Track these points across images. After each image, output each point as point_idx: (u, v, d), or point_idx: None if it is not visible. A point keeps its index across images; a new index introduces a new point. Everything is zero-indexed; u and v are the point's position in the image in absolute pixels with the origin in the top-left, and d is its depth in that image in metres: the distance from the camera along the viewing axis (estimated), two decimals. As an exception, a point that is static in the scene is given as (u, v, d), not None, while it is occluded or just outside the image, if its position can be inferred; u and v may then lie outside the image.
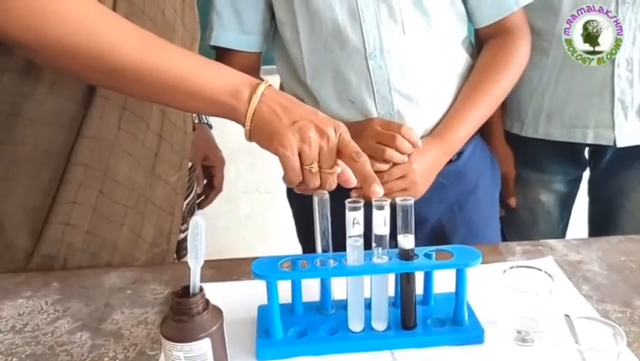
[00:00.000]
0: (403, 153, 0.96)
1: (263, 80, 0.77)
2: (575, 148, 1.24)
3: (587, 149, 1.27)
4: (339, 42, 0.99)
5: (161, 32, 0.90)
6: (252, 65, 1.11)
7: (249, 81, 0.75)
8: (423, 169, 0.98)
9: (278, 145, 0.71)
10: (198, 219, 0.61)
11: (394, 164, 0.97)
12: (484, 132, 1.10)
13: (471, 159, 1.07)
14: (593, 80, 1.15)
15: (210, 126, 1.35)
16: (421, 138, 1.03)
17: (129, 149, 0.90)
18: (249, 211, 2.32)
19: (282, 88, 1.13)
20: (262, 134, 0.73)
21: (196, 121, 1.24)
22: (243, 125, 0.74)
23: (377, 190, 0.69)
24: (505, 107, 1.12)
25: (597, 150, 1.24)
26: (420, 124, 1.02)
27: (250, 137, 0.74)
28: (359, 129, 0.98)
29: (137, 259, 0.94)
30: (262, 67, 1.16)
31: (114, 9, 0.83)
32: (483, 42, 1.08)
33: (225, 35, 1.07)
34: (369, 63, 0.98)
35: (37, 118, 0.84)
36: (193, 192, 1.16)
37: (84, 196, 0.87)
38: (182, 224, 1.08)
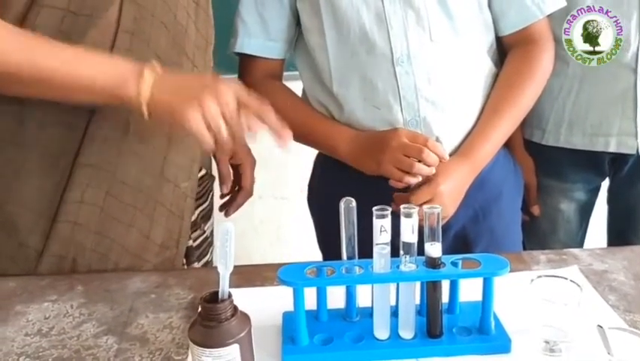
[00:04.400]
0: (429, 166, 0.96)
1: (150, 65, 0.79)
2: (597, 156, 1.22)
3: (607, 157, 1.25)
4: (366, 48, 0.99)
5: (173, 35, 0.91)
6: (275, 72, 1.11)
7: (134, 69, 0.77)
8: (451, 190, 0.98)
9: (185, 122, 0.75)
10: (228, 225, 0.61)
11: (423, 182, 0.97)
12: (504, 143, 1.09)
13: (494, 167, 1.06)
14: (615, 89, 1.14)
15: None
16: (446, 144, 1.02)
17: (137, 151, 0.90)
18: (264, 216, 2.32)
19: (304, 94, 1.13)
20: (164, 116, 0.78)
21: None
22: (141, 112, 0.77)
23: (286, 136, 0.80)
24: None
25: (618, 158, 1.23)
26: (445, 130, 1.02)
27: (151, 119, 0.78)
28: (385, 140, 0.98)
29: (146, 262, 0.94)
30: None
31: (120, 12, 0.85)
32: (507, 51, 1.08)
33: (250, 42, 1.08)
34: (396, 69, 0.98)
35: (46, 119, 0.85)
36: (208, 199, 1.14)
37: (91, 196, 0.87)
38: (194, 231, 1.07)
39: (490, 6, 1.04)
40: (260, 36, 1.07)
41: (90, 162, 0.87)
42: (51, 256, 0.88)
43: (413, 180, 0.97)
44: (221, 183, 1.15)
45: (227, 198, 1.19)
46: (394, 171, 0.97)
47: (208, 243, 1.13)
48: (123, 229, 0.91)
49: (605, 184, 1.33)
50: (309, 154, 1.18)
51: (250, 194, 1.20)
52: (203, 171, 1.09)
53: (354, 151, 1.03)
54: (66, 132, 0.86)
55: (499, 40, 1.08)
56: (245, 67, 1.12)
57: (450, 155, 1.01)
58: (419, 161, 0.95)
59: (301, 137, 1.10)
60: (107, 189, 0.89)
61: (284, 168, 2.12)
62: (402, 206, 0.69)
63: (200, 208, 1.09)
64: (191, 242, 1.05)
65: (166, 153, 0.93)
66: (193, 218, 1.06)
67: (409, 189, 0.99)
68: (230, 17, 1.10)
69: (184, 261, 1.04)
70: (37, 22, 0.83)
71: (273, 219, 2.34)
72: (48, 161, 0.86)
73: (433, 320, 0.72)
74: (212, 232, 1.15)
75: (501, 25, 1.05)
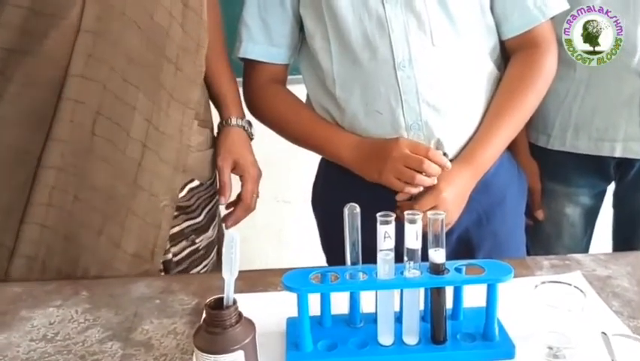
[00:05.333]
0: (431, 176, 0.96)
1: None
2: (602, 161, 1.22)
3: (613, 162, 1.25)
4: (368, 53, 1.00)
5: (148, 36, 0.90)
6: (279, 77, 1.12)
7: None
8: (454, 197, 0.98)
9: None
10: (233, 233, 0.62)
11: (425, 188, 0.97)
12: (509, 146, 1.09)
13: (498, 171, 1.06)
14: (621, 93, 1.14)
15: (249, 135, 1.14)
16: (447, 147, 1.03)
17: (106, 156, 0.89)
18: (267, 221, 2.32)
19: (308, 99, 1.13)
20: None
21: (233, 122, 1.10)
22: None
23: None
24: (530, 119, 1.11)
25: (624, 162, 1.22)
26: (447, 134, 1.02)
27: None
28: (386, 149, 0.99)
29: (117, 270, 0.93)
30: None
31: (82, 11, 0.84)
32: (510, 54, 1.08)
33: (254, 48, 1.08)
34: (398, 74, 0.99)
35: (9, 118, 0.85)
36: (203, 213, 1.10)
37: (58, 199, 0.87)
38: (178, 243, 1.04)
39: (492, 10, 1.04)
40: (263, 42, 1.08)
41: (54, 164, 0.86)
42: (21, 257, 0.88)
43: (414, 190, 0.97)
44: (220, 194, 1.09)
45: (232, 209, 1.12)
46: (395, 181, 0.98)
47: (200, 256, 1.10)
48: (92, 235, 0.90)
49: (612, 188, 1.33)
50: (312, 157, 1.18)
51: (249, 207, 1.12)
52: (195, 183, 1.06)
53: (356, 158, 1.03)
54: (29, 133, 0.86)
55: (502, 43, 1.08)
56: (249, 72, 1.13)
57: (451, 159, 1.01)
58: (420, 172, 0.95)
59: (303, 142, 1.11)
60: (74, 193, 0.88)
61: (286, 171, 2.12)
62: (406, 212, 0.69)
63: (192, 221, 1.07)
64: (170, 256, 1.03)
65: (140, 160, 0.92)
66: (178, 229, 1.03)
67: (412, 199, 0.99)
68: (235, 22, 1.11)
69: (162, 275, 1.02)
70: (0, 21, 0.82)
71: (276, 223, 2.34)
72: (13, 160, 0.86)
73: (437, 326, 0.72)
74: (207, 244, 1.12)
75: (504, 28, 1.05)
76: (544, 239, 1.32)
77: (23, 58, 0.84)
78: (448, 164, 0.97)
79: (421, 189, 0.98)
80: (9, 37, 0.84)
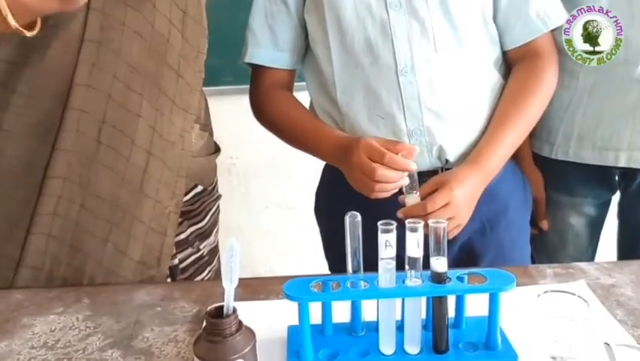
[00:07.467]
0: (397, 169, 0.91)
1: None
2: (606, 171, 1.21)
3: (617, 172, 1.24)
4: (371, 58, 1.00)
5: (150, 45, 0.90)
6: (285, 82, 1.12)
7: None
8: (465, 196, 0.96)
9: None
10: (234, 241, 0.61)
11: (435, 190, 0.95)
12: (512, 156, 1.09)
13: (502, 180, 1.06)
14: (626, 102, 1.13)
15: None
16: (450, 154, 1.03)
17: (111, 164, 0.89)
18: (271, 226, 2.32)
19: (311, 105, 1.13)
20: None
21: None
22: None
23: None
24: (534, 128, 1.10)
25: (628, 172, 1.21)
26: (449, 141, 1.02)
27: None
28: (353, 142, 0.96)
29: (123, 278, 0.93)
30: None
31: (86, 21, 0.84)
32: (512, 65, 1.07)
33: (259, 53, 1.09)
34: (400, 79, 0.99)
35: (15, 130, 0.85)
36: (207, 218, 1.10)
37: (64, 209, 0.87)
38: (184, 249, 1.05)
39: (495, 20, 1.04)
40: (268, 47, 1.09)
41: (60, 173, 0.86)
42: (27, 267, 0.88)
43: (392, 186, 0.93)
44: None
45: None
46: (361, 176, 0.93)
47: (205, 262, 1.11)
48: (98, 243, 0.90)
49: (616, 198, 1.32)
50: (316, 163, 1.18)
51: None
52: (199, 188, 1.07)
53: (335, 154, 1.02)
54: (35, 144, 0.86)
55: (504, 54, 1.08)
56: (255, 77, 1.13)
57: (456, 164, 1.01)
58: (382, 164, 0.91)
59: (298, 144, 1.10)
60: (81, 202, 0.88)
61: (290, 177, 2.12)
62: (407, 221, 0.69)
63: (196, 226, 1.07)
64: (176, 261, 1.03)
65: (145, 167, 0.92)
66: (184, 236, 1.04)
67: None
68: (240, 29, 1.12)
69: (168, 281, 1.03)
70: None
71: (280, 229, 2.34)
72: (19, 171, 0.86)
73: (438, 335, 0.71)
74: (210, 250, 1.12)
75: (506, 39, 1.05)
76: (549, 249, 1.31)
77: (26, 69, 0.84)
78: (411, 166, 0.92)
79: (392, 192, 0.94)
80: (10, 50, 0.83)
